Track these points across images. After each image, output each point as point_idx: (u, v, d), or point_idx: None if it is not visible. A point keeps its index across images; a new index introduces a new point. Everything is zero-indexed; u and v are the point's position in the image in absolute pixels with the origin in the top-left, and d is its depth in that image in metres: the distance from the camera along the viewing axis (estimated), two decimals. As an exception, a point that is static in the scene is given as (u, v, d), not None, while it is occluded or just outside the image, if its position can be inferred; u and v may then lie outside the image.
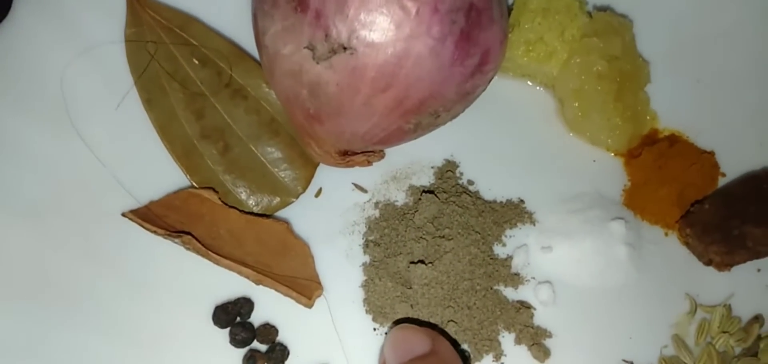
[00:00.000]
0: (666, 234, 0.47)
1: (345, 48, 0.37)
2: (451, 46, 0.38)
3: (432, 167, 0.48)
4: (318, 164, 0.47)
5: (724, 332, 0.43)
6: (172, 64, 0.46)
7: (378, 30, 0.36)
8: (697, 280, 0.45)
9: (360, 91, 0.38)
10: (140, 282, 0.43)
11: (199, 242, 0.42)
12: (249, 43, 0.47)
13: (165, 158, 0.45)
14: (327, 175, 0.47)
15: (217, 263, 0.42)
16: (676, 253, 0.46)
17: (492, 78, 0.43)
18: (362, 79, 0.38)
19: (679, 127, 0.49)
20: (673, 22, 0.51)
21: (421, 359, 0.38)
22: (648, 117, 0.49)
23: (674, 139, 0.49)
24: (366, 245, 0.46)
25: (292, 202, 0.46)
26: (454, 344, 0.42)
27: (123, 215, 0.43)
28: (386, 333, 0.43)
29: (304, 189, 0.46)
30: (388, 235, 0.46)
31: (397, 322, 0.43)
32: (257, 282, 0.42)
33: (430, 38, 0.37)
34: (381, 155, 0.47)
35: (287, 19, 0.38)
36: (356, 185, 0.48)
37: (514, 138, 0.49)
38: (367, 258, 0.45)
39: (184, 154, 0.45)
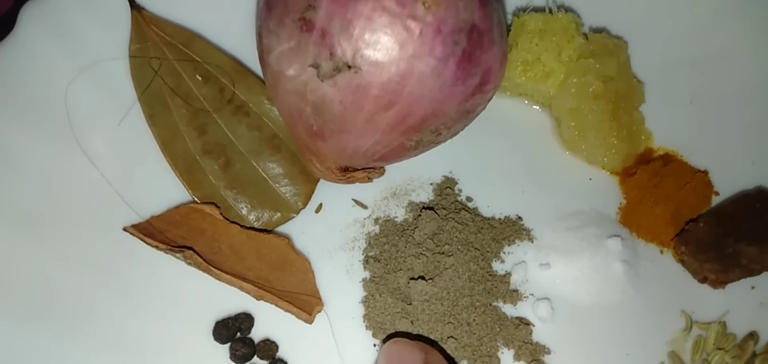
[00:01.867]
0: (661, 252, 0.47)
1: (349, 66, 0.37)
2: (453, 66, 0.38)
3: (431, 184, 0.49)
4: (318, 180, 0.47)
5: (720, 349, 0.44)
6: (175, 80, 0.46)
7: (382, 49, 0.37)
8: (693, 297, 0.46)
9: (363, 108, 0.39)
10: (141, 297, 0.43)
11: (201, 257, 0.42)
12: (252, 60, 0.47)
13: (167, 173, 0.46)
14: (327, 192, 0.48)
15: (218, 278, 0.42)
16: (672, 270, 0.47)
17: (492, 97, 0.44)
18: (366, 96, 0.38)
19: (674, 147, 0.50)
20: (667, 43, 0.52)
21: None
22: (643, 136, 0.50)
23: (668, 159, 0.49)
24: (366, 261, 0.46)
25: (293, 217, 0.46)
26: (450, 359, 0.43)
27: (124, 229, 0.44)
28: (378, 348, 0.43)
29: (305, 205, 0.47)
30: (387, 251, 0.46)
31: (390, 336, 0.43)
32: (258, 297, 0.42)
33: (432, 58, 0.38)
34: (381, 172, 0.48)
35: (293, 38, 0.38)
36: (356, 201, 0.48)
37: (511, 156, 0.50)
38: (367, 274, 0.46)
39: (186, 169, 0.45)
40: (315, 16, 0.37)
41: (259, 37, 0.41)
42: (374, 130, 0.40)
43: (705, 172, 0.49)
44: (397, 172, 0.48)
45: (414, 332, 0.43)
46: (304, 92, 0.39)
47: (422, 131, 0.41)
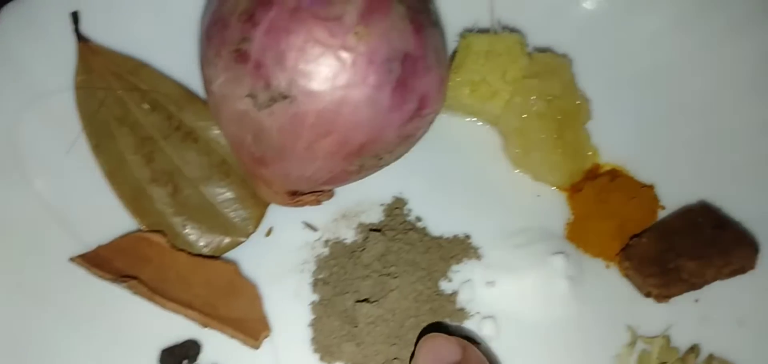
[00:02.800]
0: (607, 267, 0.48)
1: (285, 96, 0.38)
2: (388, 93, 0.39)
3: (381, 205, 0.49)
4: (269, 204, 0.48)
5: (663, 363, 0.45)
6: (121, 109, 0.47)
7: (316, 79, 0.38)
8: (638, 311, 0.46)
9: (301, 136, 0.40)
10: (88, 327, 0.44)
11: (147, 285, 0.43)
12: (200, 86, 0.48)
13: (114, 203, 0.46)
14: (278, 215, 0.48)
15: (164, 306, 0.43)
16: (618, 285, 0.47)
17: (432, 121, 0.44)
18: (303, 125, 0.39)
19: (620, 162, 0.51)
20: (612, 59, 0.53)
21: None
22: (589, 152, 0.50)
23: (615, 174, 0.50)
24: (315, 284, 0.46)
25: (243, 242, 0.47)
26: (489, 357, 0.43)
27: (71, 260, 0.44)
28: (417, 342, 0.43)
29: (255, 229, 0.47)
30: (336, 273, 0.47)
31: (427, 331, 0.43)
32: (204, 325, 0.43)
33: (366, 86, 0.38)
34: (330, 194, 0.48)
35: (229, 69, 0.39)
36: (306, 224, 0.48)
37: (462, 174, 0.50)
38: (315, 297, 0.46)
39: (132, 197, 0.46)
40: (250, 47, 0.38)
41: (201, 66, 0.42)
42: (314, 157, 0.41)
43: (651, 187, 0.50)
44: (348, 193, 0.49)
45: (360, 356, 0.44)
46: (243, 121, 0.40)
47: (363, 157, 0.42)
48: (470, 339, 0.43)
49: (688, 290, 0.46)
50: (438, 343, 0.41)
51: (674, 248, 0.46)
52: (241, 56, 0.38)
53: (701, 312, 0.46)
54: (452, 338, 0.41)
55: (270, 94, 0.38)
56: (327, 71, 0.37)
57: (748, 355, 0.44)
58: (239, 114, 0.40)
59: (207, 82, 0.41)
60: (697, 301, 0.46)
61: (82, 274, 0.44)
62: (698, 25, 0.52)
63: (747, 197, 0.48)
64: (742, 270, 0.46)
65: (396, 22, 0.38)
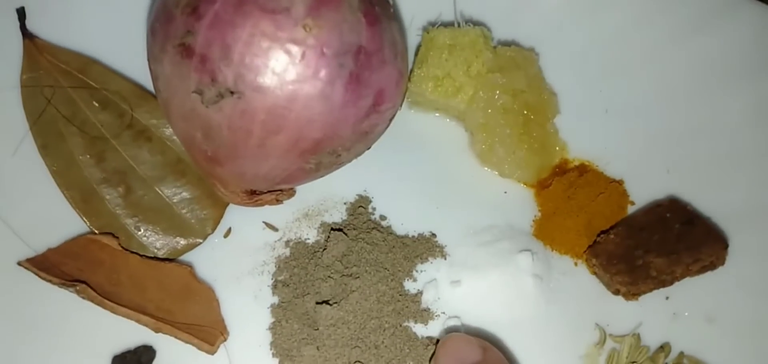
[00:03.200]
0: (575, 264, 0.47)
1: (232, 92, 0.37)
2: (341, 88, 0.38)
3: (344, 203, 0.48)
4: (227, 204, 0.46)
5: (633, 362, 0.44)
6: (70, 108, 0.45)
7: (264, 74, 0.36)
8: (607, 309, 0.45)
9: (253, 133, 0.38)
10: (36, 333, 0.42)
11: (97, 290, 0.41)
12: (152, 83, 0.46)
13: (64, 204, 0.45)
14: (237, 215, 0.47)
15: (114, 311, 0.41)
16: (586, 283, 0.46)
17: (392, 116, 0.43)
18: (253, 121, 0.38)
19: (589, 157, 0.50)
20: (580, 54, 0.52)
21: None
22: (557, 148, 0.49)
23: (584, 169, 0.49)
24: (275, 286, 0.45)
25: (200, 243, 0.45)
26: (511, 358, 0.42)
27: (19, 263, 0.42)
28: (436, 342, 0.43)
29: (213, 229, 0.46)
30: (297, 274, 0.45)
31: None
32: (156, 330, 0.41)
33: (318, 81, 0.37)
34: (291, 193, 0.47)
35: (175, 64, 0.37)
36: (267, 224, 0.47)
37: (427, 171, 0.49)
38: (275, 299, 0.45)
39: (82, 199, 0.44)
40: (194, 41, 0.36)
41: (148, 62, 0.40)
42: (268, 154, 0.39)
43: (620, 182, 0.49)
44: (310, 192, 0.48)
45: (320, 359, 0.42)
46: (191, 118, 0.39)
47: (319, 154, 0.40)
48: (490, 341, 0.42)
49: (657, 288, 0.45)
50: (458, 343, 0.40)
51: (642, 244, 0.45)
52: (186, 51, 0.37)
53: (671, 309, 0.45)
54: (473, 339, 0.41)
55: (217, 90, 0.37)
56: (275, 66, 0.36)
57: (718, 352, 0.43)
58: (187, 111, 0.38)
59: (154, 78, 0.40)
60: (667, 298, 0.45)
61: (30, 278, 0.42)
62: (666, 17, 0.51)
63: (716, 192, 0.47)
64: (711, 266, 0.45)
65: (347, 15, 0.37)
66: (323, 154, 0.41)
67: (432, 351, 0.43)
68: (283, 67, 0.36)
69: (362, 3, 0.38)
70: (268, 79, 0.36)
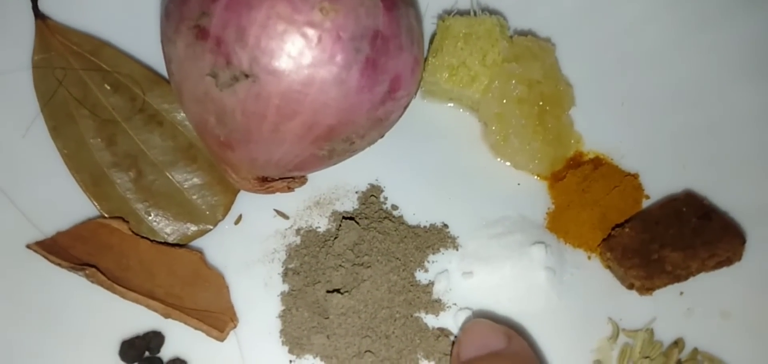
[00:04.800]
0: (589, 258, 0.46)
1: (247, 75, 0.36)
2: (357, 73, 0.37)
3: (356, 192, 0.48)
4: (238, 191, 0.46)
5: (646, 357, 0.43)
6: (81, 90, 0.45)
7: (279, 57, 0.36)
8: (621, 304, 0.45)
9: (266, 118, 0.38)
10: (45, 317, 0.42)
11: (106, 274, 0.41)
12: (164, 67, 0.46)
13: (74, 187, 0.44)
14: (248, 202, 0.46)
15: (123, 296, 0.41)
16: (599, 277, 0.46)
17: (407, 104, 0.43)
18: (267, 106, 0.37)
19: (604, 150, 0.49)
20: (597, 45, 0.51)
21: (497, 355, 0.38)
22: (572, 140, 0.49)
23: (599, 162, 0.49)
24: (285, 274, 0.45)
25: (210, 229, 0.45)
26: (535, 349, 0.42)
27: (28, 246, 0.42)
28: (460, 327, 0.42)
29: (224, 216, 0.45)
30: (308, 263, 0.45)
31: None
32: (166, 315, 0.41)
33: (333, 66, 0.36)
34: (303, 181, 0.46)
35: (189, 46, 0.37)
36: (278, 211, 0.47)
37: (440, 161, 0.49)
38: (286, 287, 0.44)
39: (92, 182, 0.44)
40: (209, 23, 0.36)
41: (162, 45, 0.40)
42: (281, 140, 0.39)
43: (635, 176, 0.48)
44: (321, 180, 0.47)
45: (330, 347, 0.42)
46: (205, 101, 0.38)
47: (333, 140, 0.40)
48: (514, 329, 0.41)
49: (672, 283, 0.44)
50: (483, 329, 0.40)
51: (658, 238, 0.44)
52: (201, 32, 0.36)
53: (686, 305, 0.45)
54: (497, 326, 0.40)
55: (231, 73, 0.36)
56: (291, 49, 0.36)
57: (733, 349, 0.43)
58: (200, 94, 0.38)
59: (167, 61, 0.39)
60: (681, 293, 0.45)
61: (39, 262, 0.42)
62: (684, 9, 0.51)
63: (733, 187, 0.47)
64: (727, 262, 0.44)
65: (365, -1, 0.37)
66: (337, 140, 0.40)
67: (443, 342, 0.43)
68: (298, 51, 0.36)
69: (380, -13, 0.38)
70: (283, 63, 0.36)
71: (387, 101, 0.39)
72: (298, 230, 0.46)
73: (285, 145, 0.39)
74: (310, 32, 0.36)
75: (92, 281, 0.41)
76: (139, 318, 0.42)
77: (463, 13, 0.49)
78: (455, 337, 0.43)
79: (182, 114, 0.46)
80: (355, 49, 0.36)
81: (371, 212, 0.47)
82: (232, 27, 0.36)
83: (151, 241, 0.43)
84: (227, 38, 0.36)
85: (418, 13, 0.42)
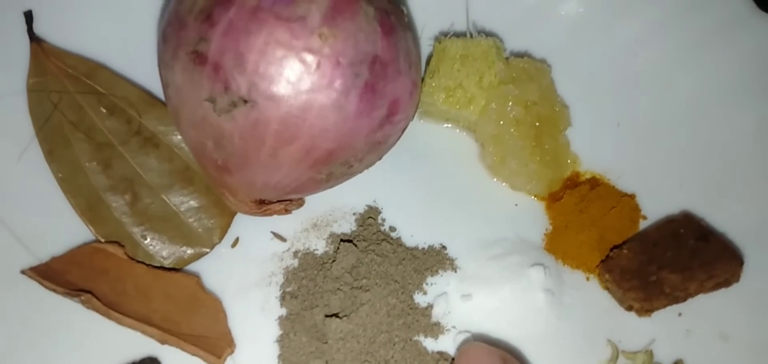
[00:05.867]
0: (587, 279, 0.46)
1: (245, 101, 0.36)
2: (356, 98, 0.37)
3: (353, 214, 0.47)
4: (235, 213, 0.46)
5: (645, 379, 0.43)
6: (76, 113, 0.44)
7: (278, 83, 0.36)
8: (620, 325, 0.45)
9: (265, 143, 0.37)
10: (40, 343, 0.41)
11: (102, 300, 0.40)
12: (161, 90, 0.46)
13: (69, 212, 0.44)
14: (245, 225, 0.46)
15: (119, 322, 0.40)
16: (598, 298, 0.46)
17: (405, 127, 0.42)
18: (266, 131, 0.37)
19: (601, 170, 0.49)
20: (592, 66, 0.51)
21: None
22: (569, 160, 0.49)
23: (595, 183, 0.49)
24: (283, 298, 0.44)
25: (207, 252, 0.45)
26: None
27: (22, 272, 0.41)
28: (457, 349, 0.42)
29: (220, 239, 0.45)
30: (305, 286, 0.44)
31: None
32: (162, 341, 0.40)
33: (332, 91, 0.36)
34: (300, 203, 0.46)
35: (187, 71, 0.37)
36: (275, 234, 0.46)
37: (438, 183, 0.49)
38: (283, 311, 0.44)
39: (88, 206, 0.43)
40: (207, 49, 0.36)
41: (159, 69, 0.40)
42: (279, 164, 0.39)
43: (632, 196, 0.48)
44: (318, 202, 0.47)
45: (329, 372, 0.42)
46: (202, 126, 0.38)
47: (331, 164, 0.40)
48: (510, 353, 0.41)
49: (670, 304, 0.44)
50: (478, 352, 0.40)
51: (656, 260, 0.44)
52: (199, 58, 0.36)
53: (685, 326, 0.45)
54: (493, 349, 0.40)
55: (230, 99, 0.36)
56: (290, 74, 0.35)
57: (732, 370, 0.43)
58: (198, 119, 0.38)
59: (165, 85, 0.39)
60: (680, 315, 0.45)
61: (34, 287, 0.41)
62: (680, 30, 0.51)
63: (731, 207, 0.47)
64: (726, 283, 0.44)
65: (363, 24, 0.36)
66: (335, 164, 0.40)
67: (442, 366, 0.43)
68: (297, 77, 0.36)
69: (378, 12, 0.38)
70: (282, 88, 0.36)
71: (385, 125, 0.39)
72: (295, 253, 0.46)
73: (283, 170, 0.39)
74: (309, 58, 0.35)
75: (88, 307, 0.41)
76: (136, 344, 0.41)
77: (459, 35, 0.49)
78: (453, 361, 0.43)
79: (179, 136, 0.45)
80: (354, 74, 0.36)
81: (369, 234, 0.46)
82: (230, 53, 0.35)
83: (147, 265, 0.43)
84: (226, 64, 0.35)
85: (416, 37, 0.42)
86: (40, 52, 0.45)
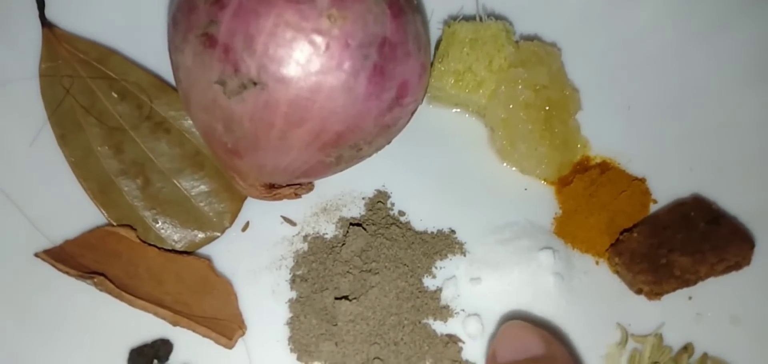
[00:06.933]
0: (597, 263, 0.46)
1: (255, 83, 0.36)
2: (365, 80, 0.37)
3: (363, 198, 0.48)
4: (245, 198, 0.46)
5: (655, 363, 0.43)
6: (88, 98, 0.45)
7: (287, 65, 0.36)
8: (629, 309, 0.44)
9: (274, 125, 0.38)
10: (53, 325, 0.42)
11: (114, 282, 0.41)
12: (172, 74, 0.46)
13: (82, 195, 0.44)
14: (255, 209, 0.46)
15: (132, 304, 0.41)
16: (608, 282, 0.45)
17: (414, 110, 0.43)
18: (275, 113, 0.37)
19: (611, 154, 0.49)
20: (603, 49, 0.51)
21: (536, 360, 0.37)
22: (579, 144, 0.48)
23: (606, 167, 0.48)
24: (293, 281, 0.45)
25: (218, 237, 0.45)
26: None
27: (36, 255, 0.42)
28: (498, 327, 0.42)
29: (231, 223, 0.45)
30: (315, 269, 0.45)
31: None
32: (174, 323, 0.41)
33: (341, 73, 0.36)
34: (310, 187, 0.46)
35: (197, 54, 0.37)
36: (285, 218, 0.47)
37: (447, 167, 0.49)
38: (293, 294, 0.44)
39: (100, 190, 0.44)
40: (217, 31, 0.36)
41: (169, 52, 0.40)
42: (289, 147, 0.39)
43: (642, 180, 0.48)
44: (328, 187, 0.47)
45: (338, 354, 0.42)
46: (212, 109, 0.38)
47: (340, 147, 0.40)
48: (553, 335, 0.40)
49: (680, 287, 0.44)
50: (521, 332, 0.39)
51: (666, 243, 0.44)
52: (209, 40, 0.36)
53: (695, 309, 0.44)
54: (536, 329, 0.39)
55: (239, 81, 0.36)
56: (299, 56, 0.36)
57: (743, 354, 0.43)
58: (208, 102, 0.38)
59: (175, 68, 0.39)
60: (690, 298, 0.45)
61: (47, 270, 0.42)
62: (690, 13, 0.50)
63: (742, 190, 0.47)
64: (736, 266, 0.44)
65: (372, 6, 0.36)
66: (344, 147, 0.40)
67: (451, 349, 0.43)
68: (306, 58, 0.36)
69: (387, -6, 0.38)
70: (291, 70, 0.36)
71: (394, 108, 0.39)
72: (305, 237, 0.46)
73: (293, 153, 0.39)
74: (318, 39, 0.36)
75: (100, 289, 0.41)
76: (148, 326, 0.42)
77: (468, 18, 0.49)
78: (460, 343, 0.43)
79: (189, 121, 0.46)
80: (363, 56, 0.36)
81: (378, 218, 0.47)
82: (240, 35, 0.35)
83: (159, 248, 0.43)
84: (235, 46, 0.36)
85: (425, 19, 0.42)
86: (52, 37, 0.45)
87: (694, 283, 0.44)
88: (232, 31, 0.36)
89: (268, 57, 0.35)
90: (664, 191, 0.47)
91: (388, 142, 0.44)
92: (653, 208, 0.47)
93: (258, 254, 0.45)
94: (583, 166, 0.49)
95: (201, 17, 0.36)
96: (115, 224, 0.44)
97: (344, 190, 0.48)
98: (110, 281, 0.41)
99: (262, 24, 0.35)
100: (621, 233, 0.46)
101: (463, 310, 0.44)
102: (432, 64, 0.48)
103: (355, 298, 0.43)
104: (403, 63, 0.38)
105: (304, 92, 0.36)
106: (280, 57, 0.35)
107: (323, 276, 0.44)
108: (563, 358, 0.38)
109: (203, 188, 0.45)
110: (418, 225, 0.47)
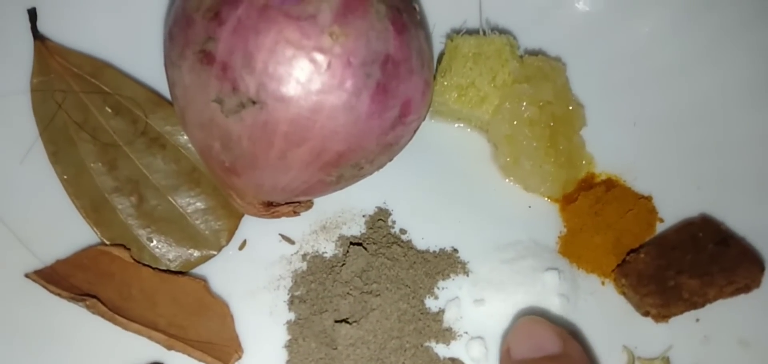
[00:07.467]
0: (603, 283, 0.45)
1: (254, 102, 0.35)
2: (367, 99, 0.36)
3: (363, 216, 0.46)
4: (242, 215, 0.45)
5: (662, 386, 0.42)
6: (81, 113, 0.44)
7: (287, 84, 0.35)
8: (636, 331, 0.44)
9: (274, 145, 0.37)
10: (44, 349, 0.41)
11: (107, 304, 0.40)
12: (168, 89, 0.45)
13: (74, 214, 0.43)
14: (252, 227, 0.45)
15: (125, 327, 0.39)
16: (614, 302, 0.44)
17: (417, 128, 0.41)
18: (275, 133, 0.36)
19: (616, 171, 0.48)
20: (608, 65, 0.50)
21: (552, 358, 0.36)
22: (584, 161, 0.47)
23: (611, 184, 0.47)
24: (291, 302, 0.43)
25: (214, 255, 0.44)
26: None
27: (26, 276, 0.41)
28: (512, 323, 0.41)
29: (228, 241, 0.44)
30: (314, 290, 0.44)
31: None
32: (168, 347, 0.40)
33: (343, 92, 0.35)
34: (309, 205, 0.45)
35: (194, 71, 0.36)
36: (283, 236, 0.45)
37: (449, 184, 0.48)
38: (292, 316, 0.43)
39: (93, 208, 0.43)
40: (215, 48, 0.35)
41: (165, 68, 0.39)
42: (288, 166, 0.38)
43: (649, 198, 0.47)
44: (328, 204, 0.46)
45: (338, 379, 0.41)
46: (210, 127, 0.37)
47: (341, 166, 0.39)
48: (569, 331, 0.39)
49: (688, 310, 0.43)
50: (537, 328, 0.38)
51: (674, 264, 0.43)
52: (206, 57, 0.35)
53: (702, 332, 0.43)
54: (552, 326, 0.38)
55: (238, 100, 0.35)
56: (300, 75, 0.34)
57: (751, 378, 0.42)
58: (205, 120, 0.37)
59: (171, 84, 0.38)
60: (698, 320, 0.44)
61: (38, 291, 0.41)
62: (697, 29, 0.50)
63: (751, 211, 0.46)
64: (746, 289, 0.43)
65: (375, 23, 0.35)
66: (345, 167, 0.39)
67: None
68: (307, 77, 0.35)
69: (390, 10, 0.37)
70: (291, 89, 0.35)
71: (397, 126, 0.38)
72: (304, 256, 0.45)
73: (292, 172, 0.38)
74: (320, 58, 0.34)
75: (93, 312, 0.40)
76: (142, 349, 0.41)
77: (472, 33, 0.48)
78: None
79: (185, 137, 0.44)
80: (365, 75, 0.35)
81: (379, 236, 0.45)
82: (239, 52, 0.34)
83: (154, 268, 0.42)
84: (234, 64, 0.35)
85: (428, 35, 0.41)
86: (44, 50, 0.44)
87: (702, 305, 0.43)
88: (231, 48, 0.34)
89: (268, 75, 0.34)
90: (671, 210, 0.47)
91: (390, 160, 0.43)
92: (660, 227, 0.46)
93: (255, 273, 0.44)
94: (588, 184, 0.48)
95: (198, 33, 0.35)
96: (108, 243, 0.42)
97: (344, 207, 0.46)
98: (103, 303, 0.40)
99: (261, 41, 0.34)
100: (628, 254, 0.45)
101: (466, 332, 0.43)
102: (434, 78, 0.47)
103: (355, 321, 0.42)
104: (406, 81, 0.37)
105: (304, 112, 0.35)
106: (280, 75, 0.34)
107: (323, 297, 0.43)
108: (579, 356, 0.37)
109: (199, 205, 0.44)
110: (420, 244, 0.46)
